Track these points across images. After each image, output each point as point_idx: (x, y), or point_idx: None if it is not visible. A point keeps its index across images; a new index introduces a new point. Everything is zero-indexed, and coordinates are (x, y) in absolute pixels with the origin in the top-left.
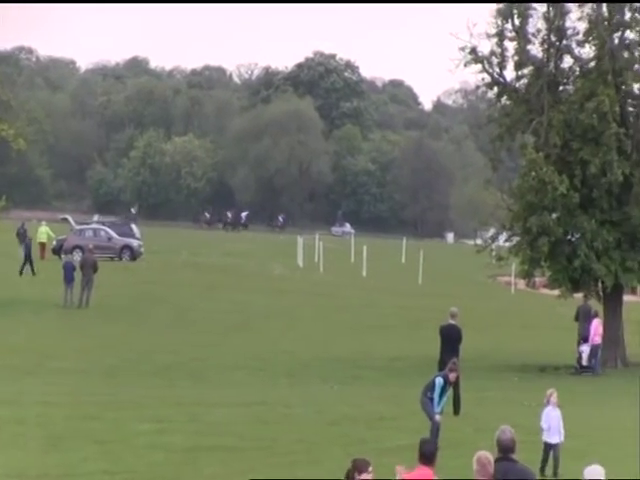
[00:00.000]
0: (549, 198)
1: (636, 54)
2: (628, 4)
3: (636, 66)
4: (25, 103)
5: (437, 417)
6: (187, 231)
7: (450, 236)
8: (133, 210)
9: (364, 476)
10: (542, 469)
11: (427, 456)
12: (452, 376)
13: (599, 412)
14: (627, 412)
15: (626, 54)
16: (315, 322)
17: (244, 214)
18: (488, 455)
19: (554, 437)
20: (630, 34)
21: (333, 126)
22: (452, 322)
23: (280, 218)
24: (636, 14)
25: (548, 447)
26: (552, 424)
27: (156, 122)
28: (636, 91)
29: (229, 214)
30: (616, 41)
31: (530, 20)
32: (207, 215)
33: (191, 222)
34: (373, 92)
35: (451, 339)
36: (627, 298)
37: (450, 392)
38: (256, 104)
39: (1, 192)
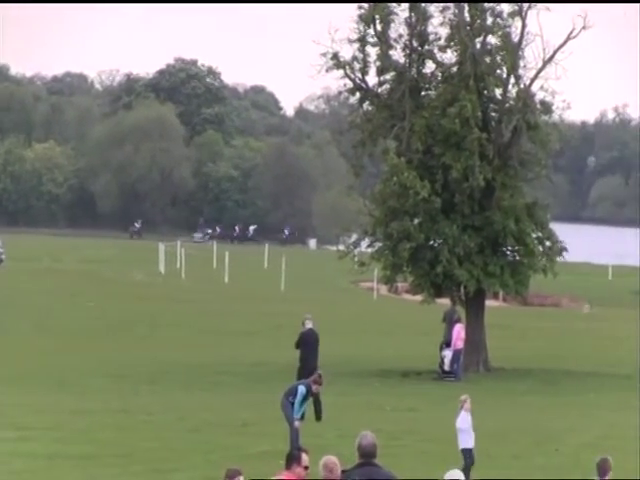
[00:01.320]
0: (411, 203)
1: (498, 59)
2: (490, 10)
3: (498, 71)
4: None
5: (296, 423)
6: (47, 237)
7: (312, 242)
8: (137, 224)
9: None
10: (467, 474)
11: (286, 460)
12: (315, 388)
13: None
14: (488, 417)
15: (488, 59)
16: (177, 328)
17: (252, 228)
18: (334, 459)
19: (469, 442)
20: (492, 39)
21: (195, 132)
22: (310, 327)
23: (251, 230)
24: (498, 19)
25: (466, 452)
26: (466, 429)
27: (16, 129)
28: (498, 96)
29: (237, 228)
30: (478, 46)
31: (392, 25)
32: (218, 230)
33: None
34: (235, 98)
35: (312, 344)
36: (489, 303)
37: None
38: (117, 111)
39: None
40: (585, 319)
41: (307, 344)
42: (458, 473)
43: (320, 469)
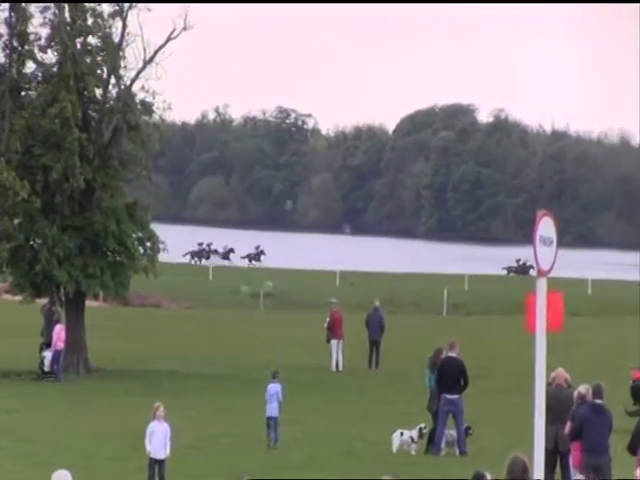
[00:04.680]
0: (10, 204)
1: (98, 59)
2: (90, 10)
3: (98, 71)
4: None
5: None
6: None
7: None
8: None
9: None
10: None
11: None
12: None
13: (61, 416)
14: (88, 418)
15: (89, 59)
16: None
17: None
18: None
19: (160, 452)
20: (92, 39)
21: None
22: None
23: None
24: (98, 19)
25: (153, 462)
26: (158, 439)
27: None
28: (99, 96)
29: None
30: (79, 46)
31: None
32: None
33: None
34: None
35: None
36: (90, 303)
37: None
38: None
39: None
40: (185, 320)
41: None
42: (65, 473)
43: None
